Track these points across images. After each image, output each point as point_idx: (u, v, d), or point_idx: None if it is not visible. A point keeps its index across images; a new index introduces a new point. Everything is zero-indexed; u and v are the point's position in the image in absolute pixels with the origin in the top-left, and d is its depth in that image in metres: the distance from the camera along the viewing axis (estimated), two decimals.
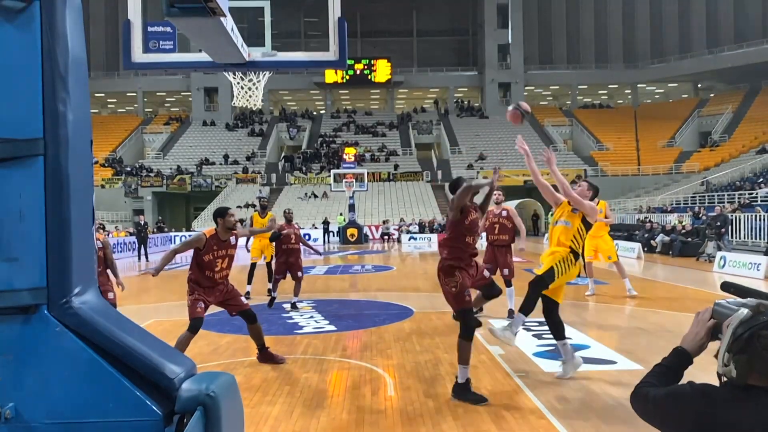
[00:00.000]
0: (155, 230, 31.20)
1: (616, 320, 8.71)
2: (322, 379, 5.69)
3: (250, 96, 6.32)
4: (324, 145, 48.49)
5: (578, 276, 5.91)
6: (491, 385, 5.29)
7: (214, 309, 6.22)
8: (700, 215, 22.07)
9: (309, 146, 49.04)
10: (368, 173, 36.96)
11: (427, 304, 10.14)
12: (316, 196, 40.05)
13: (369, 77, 51.53)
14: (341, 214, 34.54)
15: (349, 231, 31.73)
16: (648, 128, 48.00)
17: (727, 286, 1.90)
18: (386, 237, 32.66)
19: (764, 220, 18.72)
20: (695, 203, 28.70)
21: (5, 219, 1.74)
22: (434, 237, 32.31)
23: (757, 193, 25.24)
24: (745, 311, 1.60)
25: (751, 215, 19.56)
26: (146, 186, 41.09)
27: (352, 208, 32.46)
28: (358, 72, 51.11)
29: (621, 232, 24.62)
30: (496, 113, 50.88)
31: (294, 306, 9.71)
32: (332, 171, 37.32)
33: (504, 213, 8.55)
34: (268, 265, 11.40)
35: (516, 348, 6.29)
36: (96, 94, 52.38)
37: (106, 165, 44.18)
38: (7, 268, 1.74)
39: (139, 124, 52.29)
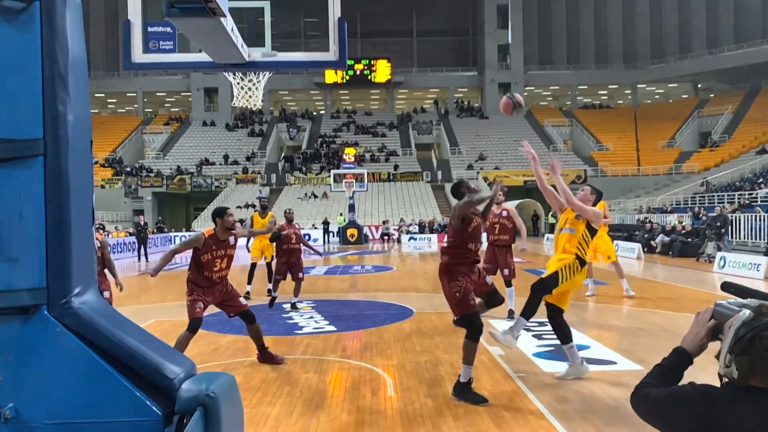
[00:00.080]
0: (155, 230, 31.20)
1: (616, 320, 8.71)
2: (322, 379, 5.69)
3: (250, 96, 6.31)
4: (324, 145, 48.50)
5: None
6: (491, 386, 5.29)
7: (214, 309, 6.22)
8: (700, 215, 22.07)
9: (309, 146, 49.05)
10: (368, 173, 36.96)
11: (427, 305, 10.14)
12: (316, 197, 40.06)
13: (369, 77, 51.55)
14: (341, 215, 34.54)
15: (349, 231, 31.73)
16: (648, 128, 48.02)
17: (727, 287, 1.90)
18: (386, 237, 32.66)
19: (764, 220, 18.72)
20: (695, 203, 28.70)
21: (5, 219, 1.74)
22: (434, 237, 32.33)
23: (757, 194, 25.25)
24: (747, 312, 1.59)
25: (751, 215, 19.56)
26: (146, 186, 41.09)
27: (352, 208, 32.46)
28: (358, 72, 51.13)
29: (621, 232, 24.63)
30: (496, 113, 50.86)
31: (294, 306, 9.70)
32: (332, 171, 37.31)
33: (504, 213, 8.54)
34: (269, 265, 11.40)
35: (516, 349, 6.29)
36: (96, 94, 52.39)
37: (106, 165, 44.19)
38: (7, 268, 1.74)
39: (139, 124, 52.29)
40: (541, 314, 5.60)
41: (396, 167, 44.21)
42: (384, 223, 34.01)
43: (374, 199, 38.82)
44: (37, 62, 1.75)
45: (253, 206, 34.58)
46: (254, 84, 6.30)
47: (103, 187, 40.11)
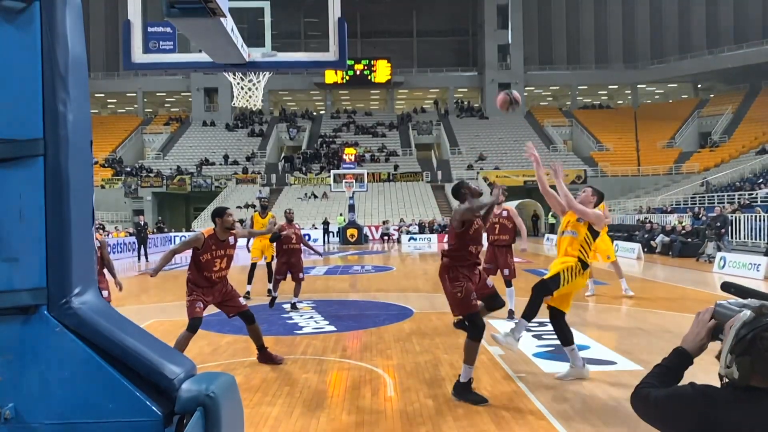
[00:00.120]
0: (155, 230, 31.20)
1: (616, 321, 8.72)
2: (321, 379, 5.69)
3: (250, 96, 6.31)
4: (324, 145, 48.51)
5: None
6: (491, 386, 5.29)
7: (214, 309, 6.21)
8: (700, 216, 22.07)
9: (309, 147, 49.05)
10: (368, 174, 36.96)
11: (427, 305, 10.14)
12: (315, 197, 40.06)
13: (369, 78, 51.56)
14: (341, 215, 34.54)
15: (349, 231, 31.73)
16: (648, 129, 48.02)
17: (727, 287, 1.90)
18: (386, 237, 32.66)
19: (764, 220, 18.72)
20: (695, 204, 28.70)
21: (5, 219, 1.74)
22: (434, 237, 32.32)
23: (757, 194, 25.24)
24: (748, 313, 1.59)
25: (751, 216, 19.56)
26: (146, 186, 41.09)
27: (351, 208, 32.46)
28: (358, 72, 51.14)
29: (621, 232, 24.64)
30: (496, 114, 50.88)
31: (294, 306, 9.70)
32: (332, 171, 37.31)
33: (504, 213, 8.54)
34: (269, 265, 11.40)
35: (518, 350, 6.28)
36: (96, 94, 52.40)
37: (106, 165, 44.19)
38: (7, 269, 1.74)
39: (139, 124, 52.29)
40: (542, 314, 5.59)
41: (396, 167, 44.21)
42: (384, 223, 34.01)
43: (374, 199, 38.82)
44: (37, 62, 1.75)
45: (253, 206, 34.59)
46: (254, 84, 6.30)
47: (103, 187, 40.11)
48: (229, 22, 3.87)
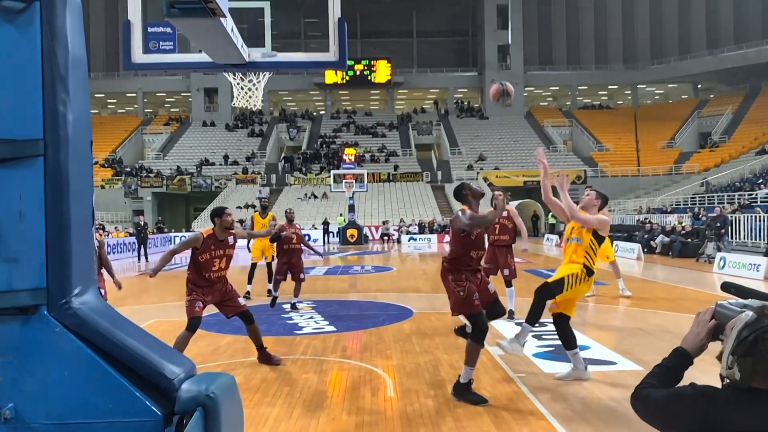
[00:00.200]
0: (155, 231, 31.20)
1: (616, 321, 8.72)
2: (321, 379, 5.69)
3: (250, 96, 6.31)
4: (324, 145, 48.51)
5: None
6: (491, 386, 5.29)
7: (214, 310, 6.21)
8: (700, 216, 22.07)
9: (309, 147, 49.05)
10: (368, 174, 36.96)
11: (426, 305, 10.13)
12: (315, 197, 40.06)
13: (369, 78, 51.55)
14: (341, 215, 34.54)
15: (349, 232, 31.72)
16: (648, 129, 48.02)
17: (727, 287, 1.90)
18: (386, 238, 32.66)
19: (764, 221, 18.72)
20: (695, 204, 28.70)
21: (5, 219, 1.74)
22: (434, 238, 32.32)
23: (756, 194, 25.24)
24: (750, 314, 1.59)
25: (751, 216, 19.55)
26: (146, 186, 41.09)
27: (351, 208, 32.46)
28: (358, 73, 51.14)
29: (621, 232, 24.64)
30: (496, 114, 50.93)
31: (294, 307, 9.69)
32: (332, 172, 37.30)
33: (504, 213, 8.53)
34: (269, 265, 11.40)
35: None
36: (96, 95, 52.38)
37: (106, 165, 44.18)
38: (7, 269, 1.74)
39: (139, 124, 52.29)
40: (543, 315, 5.60)
41: (396, 168, 44.22)
42: (384, 223, 34.01)
43: (374, 199, 38.83)
44: (37, 62, 1.75)
45: (253, 207, 34.59)
46: (254, 84, 6.30)
47: (103, 187, 40.11)
48: (229, 23, 3.87)
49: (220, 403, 1.71)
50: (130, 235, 26.39)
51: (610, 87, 56.07)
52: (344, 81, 51.63)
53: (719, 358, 1.63)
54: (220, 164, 45.46)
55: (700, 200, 29.49)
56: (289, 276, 9.63)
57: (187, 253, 5.93)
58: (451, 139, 48.70)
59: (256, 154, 46.68)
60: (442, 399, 4.97)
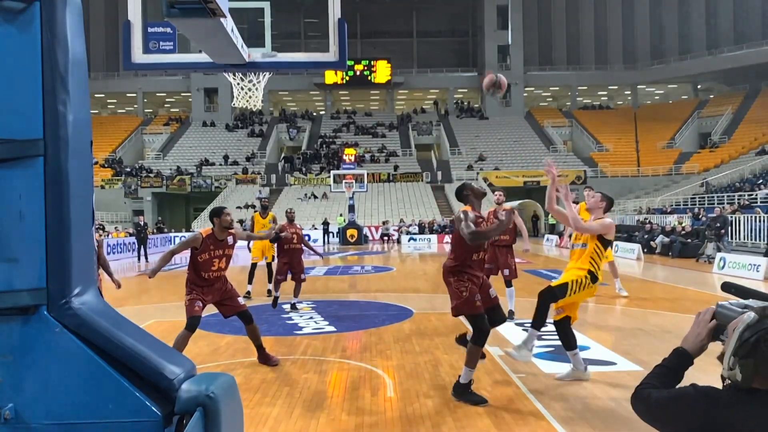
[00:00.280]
0: (155, 231, 31.20)
1: (616, 321, 8.71)
2: (321, 379, 5.69)
3: (250, 97, 6.31)
4: (324, 145, 48.51)
5: None
6: (491, 386, 5.29)
7: (214, 310, 6.21)
8: (700, 216, 22.08)
9: (309, 147, 49.05)
10: (368, 174, 36.97)
11: (426, 305, 10.13)
12: (315, 197, 40.06)
13: (369, 78, 51.58)
14: (341, 215, 34.54)
15: (349, 232, 31.72)
16: (648, 129, 48.03)
17: (727, 287, 1.90)
18: (386, 238, 32.66)
19: (764, 221, 18.72)
20: (695, 204, 28.71)
21: (5, 219, 1.74)
22: (434, 238, 32.31)
23: (756, 195, 25.25)
24: (751, 315, 1.59)
25: (751, 216, 19.55)
26: (146, 186, 41.10)
27: (351, 208, 32.46)
28: (358, 73, 51.16)
29: (620, 233, 24.59)
30: (496, 114, 50.97)
31: (294, 307, 9.69)
32: (332, 172, 37.31)
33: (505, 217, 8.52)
34: (269, 265, 11.40)
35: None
36: (96, 95, 52.39)
37: (106, 165, 44.19)
38: (7, 269, 1.74)
39: (139, 124, 52.29)
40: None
41: (396, 168, 44.22)
42: (384, 223, 34.01)
43: (374, 199, 38.84)
44: (37, 62, 1.75)
45: (253, 207, 34.59)
46: (254, 84, 6.30)
47: (103, 187, 40.12)
48: (229, 23, 3.87)
49: (220, 404, 1.71)
50: (130, 235, 26.39)
51: (610, 87, 56.08)
52: (344, 81, 51.65)
53: (720, 358, 1.63)
54: (220, 164, 45.47)
55: (699, 200, 29.50)
56: (289, 276, 9.63)
57: (187, 253, 5.93)
58: (451, 139, 48.71)
59: (256, 154, 46.68)
60: (441, 399, 4.97)
